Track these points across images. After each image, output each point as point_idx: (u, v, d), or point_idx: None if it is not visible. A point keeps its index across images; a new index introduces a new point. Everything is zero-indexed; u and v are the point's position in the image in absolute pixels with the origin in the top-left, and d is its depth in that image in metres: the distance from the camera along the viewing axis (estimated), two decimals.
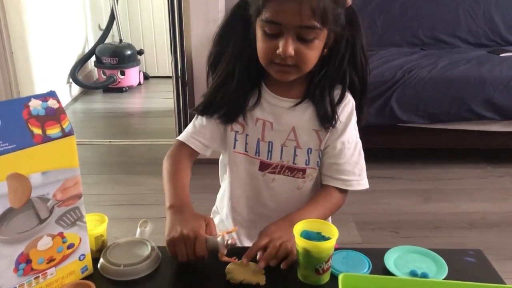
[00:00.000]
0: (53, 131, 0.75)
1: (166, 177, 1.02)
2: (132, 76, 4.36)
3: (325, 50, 0.97)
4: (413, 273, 0.86)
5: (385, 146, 2.74)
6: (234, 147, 1.07)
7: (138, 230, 0.99)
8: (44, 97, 0.76)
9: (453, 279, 0.83)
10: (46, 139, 0.74)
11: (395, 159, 2.82)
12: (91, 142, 3.16)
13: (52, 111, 0.76)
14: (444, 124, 2.64)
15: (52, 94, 0.78)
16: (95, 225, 0.93)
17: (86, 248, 0.85)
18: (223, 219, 1.17)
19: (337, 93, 1.02)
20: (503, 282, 0.86)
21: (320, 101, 1.01)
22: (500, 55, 2.81)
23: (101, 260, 0.88)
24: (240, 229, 1.14)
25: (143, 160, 2.89)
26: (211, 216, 1.23)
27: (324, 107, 1.01)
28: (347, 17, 0.95)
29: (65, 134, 0.76)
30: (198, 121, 1.08)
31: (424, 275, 0.85)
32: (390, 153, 2.82)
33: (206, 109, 1.06)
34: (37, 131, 0.73)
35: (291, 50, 0.90)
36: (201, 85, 2.61)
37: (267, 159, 1.06)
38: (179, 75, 2.67)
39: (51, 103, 0.77)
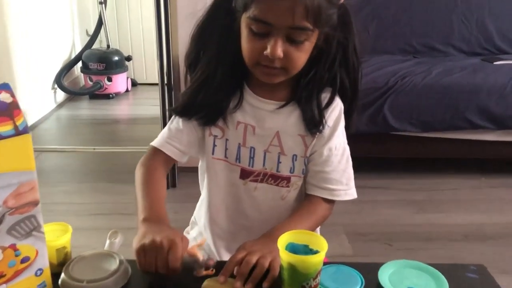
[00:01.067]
0: (4, 128, 0.66)
1: (140, 187, 0.92)
2: (120, 82, 4.26)
3: (314, 51, 0.89)
4: None
5: (377, 155, 2.66)
6: (213, 153, 0.99)
7: (107, 241, 0.90)
8: None
9: None
10: None
11: (387, 168, 2.75)
12: (74, 149, 3.05)
13: (3, 105, 0.67)
14: (438, 133, 2.57)
15: (4, 87, 0.69)
16: (58, 235, 0.84)
17: (44, 262, 0.75)
18: (202, 231, 1.08)
19: (325, 96, 0.95)
20: None
21: (307, 104, 0.93)
22: (494, 63, 2.76)
23: (62, 275, 0.78)
24: (219, 242, 1.05)
25: (127, 168, 2.76)
26: (189, 227, 1.15)
27: (311, 110, 0.93)
28: (339, 17, 0.87)
29: (18, 132, 0.67)
30: (174, 125, 0.99)
31: None
32: (382, 162, 2.74)
33: (185, 111, 0.97)
34: None
35: (280, 52, 0.82)
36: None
37: (249, 166, 0.98)
38: (165, 81, 2.58)
39: (3, 96, 0.68)
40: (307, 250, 0.77)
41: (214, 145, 0.98)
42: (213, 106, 0.94)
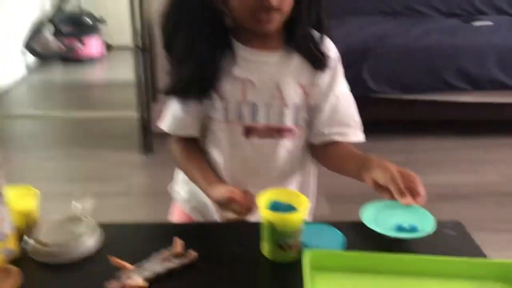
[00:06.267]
0: None
1: (186, 168, 1.00)
2: (93, 45, 4.12)
3: None
4: (399, 228, 0.78)
5: None
6: (212, 116, 0.96)
7: (79, 206, 0.86)
8: None
9: (433, 253, 0.74)
10: None
11: (365, 131, 2.73)
12: (47, 115, 2.96)
13: None
14: (416, 95, 2.57)
15: None
16: (25, 199, 0.80)
17: (7, 227, 0.72)
18: (206, 202, 1.03)
19: (316, 36, 0.95)
20: (484, 255, 0.78)
21: (305, 44, 0.93)
22: (473, 24, 2.75)
23: (29, 239, 0.75)
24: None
25: (102, 133, 2.72)
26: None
27: (309, 48, 0.93)
28: None
29: None
30: (175, 110, 0.97)
31: (413, 228, 0.78)
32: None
33: (175, 91, 0.94)
34: None
35: None
36: (163, 53, 2.45)
37: (252, 122, 0.94)
38: (139, 43, 2.50)
39: None
40: (290, 210, 0.75)
41: (213, 108, 0.95)
42: (203, 77, 0.91)
